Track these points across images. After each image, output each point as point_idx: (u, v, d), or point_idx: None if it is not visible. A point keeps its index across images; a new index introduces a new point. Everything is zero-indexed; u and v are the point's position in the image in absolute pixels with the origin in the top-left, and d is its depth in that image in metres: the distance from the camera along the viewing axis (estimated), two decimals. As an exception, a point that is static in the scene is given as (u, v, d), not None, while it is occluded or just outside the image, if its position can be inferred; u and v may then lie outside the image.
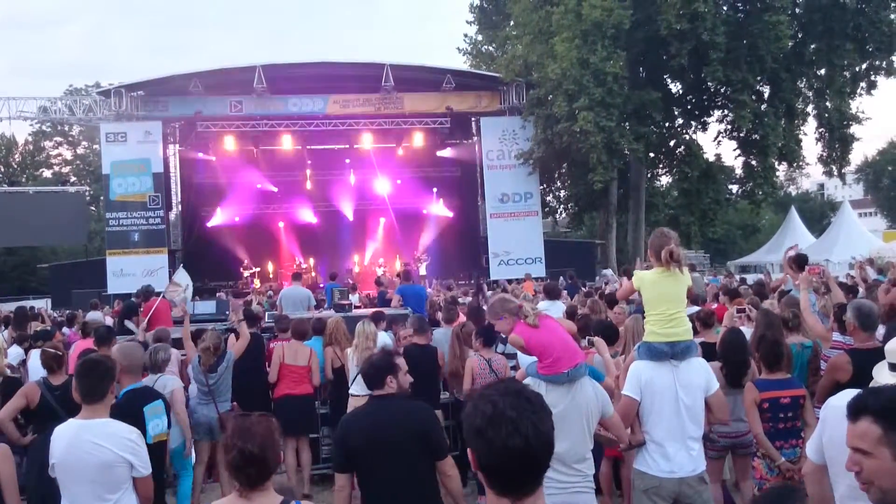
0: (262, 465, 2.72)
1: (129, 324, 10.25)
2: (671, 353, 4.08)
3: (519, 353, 7.01)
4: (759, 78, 24.33)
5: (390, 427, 3.73)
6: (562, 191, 35.83)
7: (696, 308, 8.32)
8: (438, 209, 30.20)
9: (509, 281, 19.64)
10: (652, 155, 27.16)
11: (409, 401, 4.03)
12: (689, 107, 27.28)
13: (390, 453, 3.67)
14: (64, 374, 5.59)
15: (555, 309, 8.97)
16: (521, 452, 1.72)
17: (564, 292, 13.30)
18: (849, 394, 2.97)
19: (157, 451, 4.48)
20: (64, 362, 5.67)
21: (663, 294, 4.14)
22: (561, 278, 17.93)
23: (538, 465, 1.77)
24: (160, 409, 4.73)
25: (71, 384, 5.41)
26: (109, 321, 11.71)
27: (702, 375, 4.18)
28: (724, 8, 24.31)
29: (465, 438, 1.84)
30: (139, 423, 4.37)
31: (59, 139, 54.52)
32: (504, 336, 4.39)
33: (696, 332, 6.23)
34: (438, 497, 3.90)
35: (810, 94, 26.25)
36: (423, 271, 25.77)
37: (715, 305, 9.16)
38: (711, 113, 26.98)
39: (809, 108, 26.29)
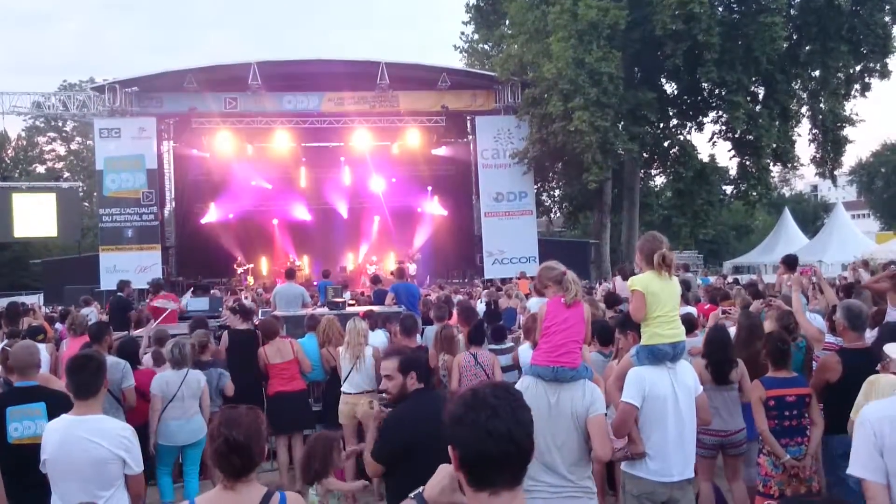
0: (246, 455, 2.71)
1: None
2: (672, 353, 4.06)
3: (520, 349, 7.06)
4: (753, 79, 24.45)
5: (438, 422, 3.75)
6: (556, 190, 35.89)
7: (691, 308, 8.38)
8: (433, 208, 30.18)
9: (504, 280, 19.66)
10: (646, 155, 27.23)
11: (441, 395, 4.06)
12: (683, 107, 27.35)
13: (440, 448, 3.67)
14: None
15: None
16: (503, 436, 1.75)
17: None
18: (884, 404, 2.97)
19: (17, 453, 4.20)
20: None
21: (662, 296, 4.10)
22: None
23: (518, 454, 1.78)
24: (34, 412, 4.34)
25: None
26: (95, 317, 11.67)
27: (691, 376, 4.18)
28: (720, 9, 24.38)
29: (447, 436, 1.86)
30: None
31: (52, 135, 54.26)
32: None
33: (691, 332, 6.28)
34: None
35: (804, 95, 26.34)
36: (412, 271, 25.75)
37: (707, 306, 9.20)
38: (706, 114, 27.05)
39: (804, 110, 26.37)
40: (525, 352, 6.67)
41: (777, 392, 4.96)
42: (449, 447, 1.85)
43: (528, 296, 12.82)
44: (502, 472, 1.79)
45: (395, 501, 3.75)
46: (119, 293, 12.01)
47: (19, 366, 4.64)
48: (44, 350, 7.43)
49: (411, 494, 2.07)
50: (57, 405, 4.22)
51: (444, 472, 2.01)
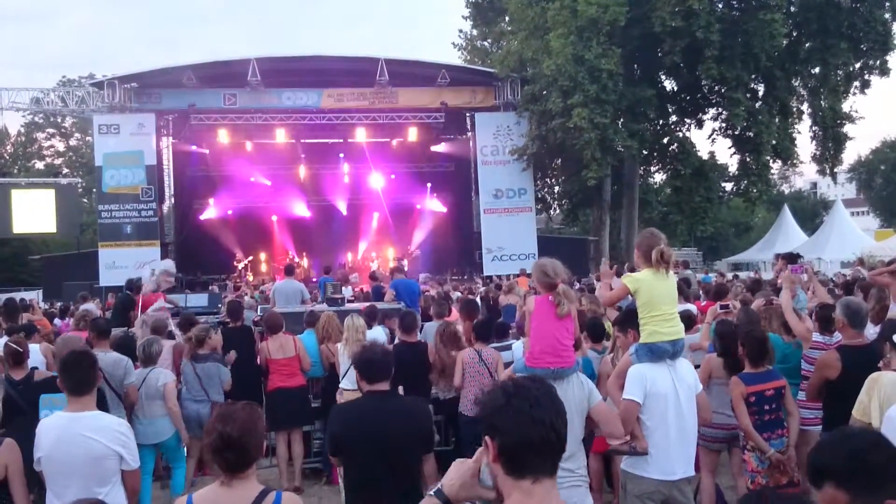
0: (240, 450, 2.71)
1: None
2: (672, 351, 4.06)
3: (514, 346, 7.06)
4: (753, 76, 24.38)
5: (388, 425, 3.69)
6: (556, 187, 35.82)
7: (690, 306, 8.37)
8: (432, 204, 30.15)
9: (504, 278, 19.65)
10: (645, 152, 27.18)
11: (406, 398, 4.02)
12: (683, 104, 27.31)
13: (385, 451, 3.64)
14: (25, 368, 5.59)
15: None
16: (545, 424, 1.80)
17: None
18: None
19: None
20: (24, 358, 5.63)
21: (662, 294, 4.09)
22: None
23: (557, 442, 1.83)
24: (59, 402, 4.39)
25: (32, 378, 5.46)
26: (95, 313, 11.63)
27: (691, 374, 4.17)
28: (719, 6, 24.33)
29: (483, 428, 1.90)
30: (35, 407, 4.46)
31: (51, 131, 54.18)
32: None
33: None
34: (420, 491, 3.91)
35: (804, 92, 26.28)
36: (404, 267, 25.64)
37: (705, 303, 9.20)
38: (706, 111, 27.01)
39: (804, 107, 26.34)
40: (519, 348, 6.68)
41: (756, 388, 5.00)
42: (486, 437, 1.89)
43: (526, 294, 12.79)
44: (543, 459, 1.83)
45: (347, 492, 3.81)
46: (128, 291, 11.89)
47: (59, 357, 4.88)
48: (37, 350, 7.45)
49: (430, 491, 2.07)
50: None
51: (464, 467, 2.02)
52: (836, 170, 28.00)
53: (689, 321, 6.39)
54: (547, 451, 1.82)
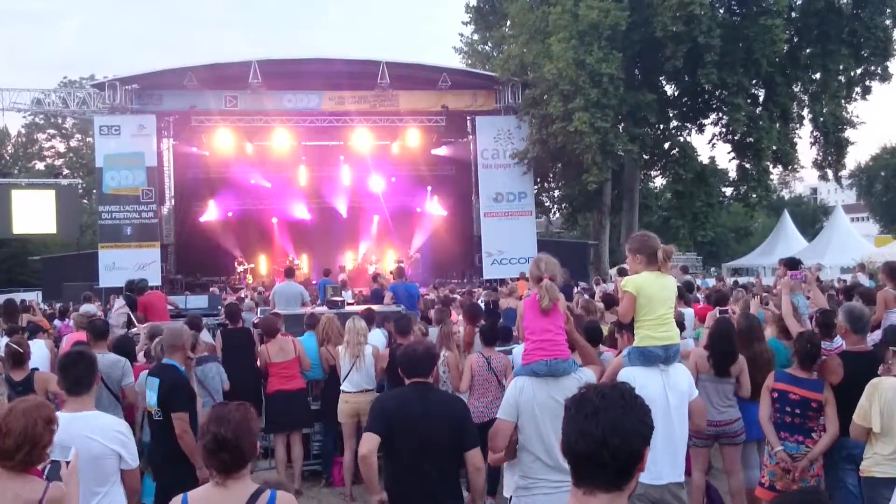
0: (235, 451, 2.71)
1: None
2: (664, 356, 4.03)
3: (514, 350, 7.06)
4: (753, 81, 24.43)
5: (430, 411, 3.89)
6: (556, 191, 35.85)
7: (688, 309, 8.37)
8: (432, 207, 30.13)
9: (502, 281, 19.66)
10: (646, 157, 27.19)
11: (444, 392, 4.12)
12: (683, 109, 27.32)
13: (426, 436, 3.83)
14: (26, 369, 5.61)
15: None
16: (594, 437, 1.78)
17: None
18: None
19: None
20: (25, 359, 5.66)
21: (657, 298, 4.05)
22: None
23: (611, 458, 1.79)
24: (154, 385, 5.06)
25: (32, 379, 5.48)
26: (100, 314, 11.62)
27: (685, 380, 4.13)
28: (720, 11, 24.38)
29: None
30: None
31: (52, 131, 54.19)
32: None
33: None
34: (459, 487, 4.05)
35: (805, 97, 26.32)
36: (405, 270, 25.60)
37: (702, 306, 9.21)
38: (706, 115, 27.03)
39: (804, 112, 26.36)
40: (520, 353, 6.67)
41: (782, 386, 5.00)
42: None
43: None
44: (593, 472, 1.82)
45: (388, 481, 3.95)
46: (129, 293, 11.87)
47: (165, 344, 5.40)
48: (43, 346, 7.47)
49: None
50: (163, 385, 4.98)
51: None
52: (839, 174, 28.06)
53: (679, 326, 6.39)
54: (596, 465, 1.80)
